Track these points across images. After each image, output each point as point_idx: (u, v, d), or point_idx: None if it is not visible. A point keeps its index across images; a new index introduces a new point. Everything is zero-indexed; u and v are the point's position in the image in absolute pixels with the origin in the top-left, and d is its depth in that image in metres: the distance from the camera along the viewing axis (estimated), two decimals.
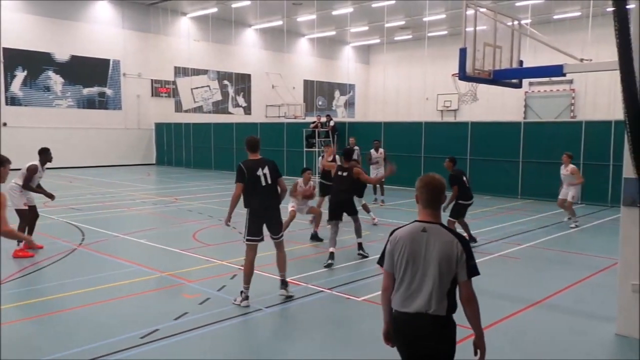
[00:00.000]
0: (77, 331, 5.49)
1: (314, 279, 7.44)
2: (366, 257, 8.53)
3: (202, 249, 9.29)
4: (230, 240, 9.93)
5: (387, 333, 3.22)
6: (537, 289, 7.08)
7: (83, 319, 5.88)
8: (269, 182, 6.25)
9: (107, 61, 28.30)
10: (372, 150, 15.21)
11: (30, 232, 8.91)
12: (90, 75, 27.68)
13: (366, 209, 11.68)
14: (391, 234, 3.18)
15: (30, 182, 8.79)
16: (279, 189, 6.42)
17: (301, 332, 5.68)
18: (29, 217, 8.88)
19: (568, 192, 11.75)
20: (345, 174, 8.61)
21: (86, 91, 27.75)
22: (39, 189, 9.02)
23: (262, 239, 6.38)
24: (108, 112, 28.65)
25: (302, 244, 9.60)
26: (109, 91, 28.59)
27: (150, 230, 11.30)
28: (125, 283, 7.20)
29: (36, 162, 8.93)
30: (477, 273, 3.02)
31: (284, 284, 6.63)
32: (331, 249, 8.20)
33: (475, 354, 3.10)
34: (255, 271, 7.74)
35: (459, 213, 9.39)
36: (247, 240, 6.33)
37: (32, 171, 8.83)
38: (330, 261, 8.07)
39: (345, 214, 8.58)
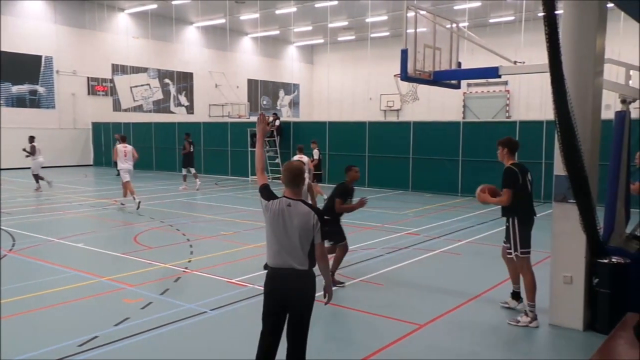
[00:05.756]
0: (9, 341, 5.18)
1: (260, 279, 7.37)
2: None
3: (144, 252, 9.02)
4: (173, 243, 9.69)
5: None
6: (477, 283, 7.34)
7: (15, 328, 5.56)
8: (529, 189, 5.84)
9: (38, 57, 26.92)
10: None
11: None
12: (20, 72, 26.22)
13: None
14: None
15: None
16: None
17: (247, 334, 5.61)
18: None
19: None
20: None
21: (15, 89, 26.30)
22: None
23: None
24: (40, 111, 27.27)
25: (247, 245, 9.50)
26: (41, 89, 27.21)
27: (88, 233, 10.86)
28: (61, 289, 6.87)
29: None
30: (326, 238, 3.85)
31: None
32: None
33: (325, 296, 4.06)
34: (200, 274, 7.66)
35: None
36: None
37: None
38: None
39: None
